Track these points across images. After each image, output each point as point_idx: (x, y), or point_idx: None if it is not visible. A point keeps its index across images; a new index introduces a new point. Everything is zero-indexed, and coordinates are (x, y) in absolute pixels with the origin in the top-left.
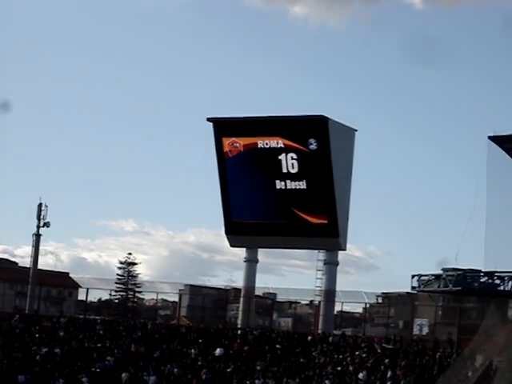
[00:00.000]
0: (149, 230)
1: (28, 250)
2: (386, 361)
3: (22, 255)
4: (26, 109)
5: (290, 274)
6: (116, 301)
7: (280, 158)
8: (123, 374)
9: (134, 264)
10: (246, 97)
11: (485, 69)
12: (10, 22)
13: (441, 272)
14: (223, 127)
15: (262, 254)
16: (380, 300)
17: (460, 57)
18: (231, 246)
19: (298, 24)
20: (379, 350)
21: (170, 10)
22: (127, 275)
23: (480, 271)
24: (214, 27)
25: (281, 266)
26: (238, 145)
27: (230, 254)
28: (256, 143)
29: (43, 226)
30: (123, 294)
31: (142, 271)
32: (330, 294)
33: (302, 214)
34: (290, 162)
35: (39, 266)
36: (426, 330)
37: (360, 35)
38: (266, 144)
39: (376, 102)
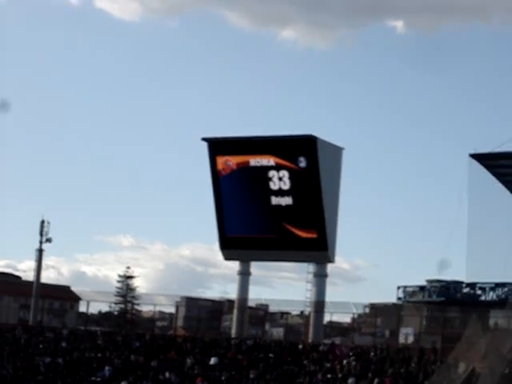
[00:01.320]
0: (145, 245)
1: (30, 264)
2: (373, 368)
3: (24, 269)
4: (28, 125)
5: (281, 285)
6: (115, 313)
7: (271, 175)
8: (122, 383)
9: (132, 277)
10: (238, 117)
11: (466, 89)
12: (10, 23)
13: (425, 283)
14: (217, 146)
15: (254, 267)
16: (367, 310)
17: (442, 77)
18: (225, 259)
19: (287, 47)
20: None
21: (163, 34)
22: (126, 288)
23: (462, 282)
24: (206, 50)
25: (272, 278)
26: (231, 163)
27: (224, 267)
28: (248, 161)
29: (46, 242)
30: (122, 306)
31: (140, 284)
32: (319, 304)
33: (292, 229)
34: (280, 180)
35: (41, 280)
36: (411, 339)
37: (346, 58)
38: (258, 162)
39: (362, 121)
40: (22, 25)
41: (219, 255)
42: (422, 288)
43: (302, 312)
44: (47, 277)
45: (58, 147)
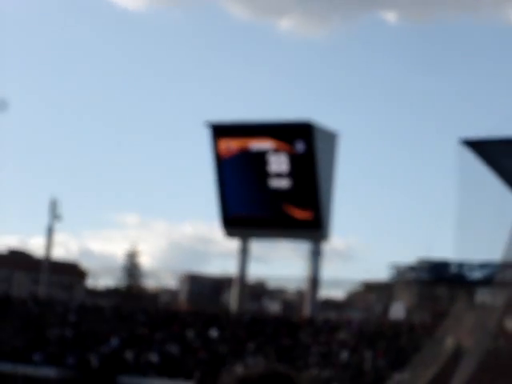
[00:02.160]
0: (149, 223)
1: (40, 240)
2: (366, 342)
3: (35, 245)
4: (40, 105)
5: (278, 263)
6: (121, 288)
7: (270, 158)
8: (128, 354)
9: (138, 254)
10: (238, 103)
11: (457, 77)
12: (11, 12)
13: (416, 262)
14: (219, 130)
15: (253, 245)
16: (361, 287)
17: (434, 66)
18: (226, 236)
19: (285, 36)
20: None
21: (165, 22)
22: (131, 264)
23: (450, 261)
24: (207, 39)
25: (269, 255)
26: (232, 146)
27: (223, 245)
28: (249, 145)
29: (56, 220)
30: (128, 281)
31: (144, 260)
32: (314, 281)
33: (290, 209)
34: (279, 162)
35: (51, 256)
36: (402, 315)
37: (341, 47)
38: (258, 146)
39: (357, 108)
40: (22, 13)
41: (219, 233)
42: (412, 266)
43: (298, 288)
44: (56, 253)
45: (68, 127)
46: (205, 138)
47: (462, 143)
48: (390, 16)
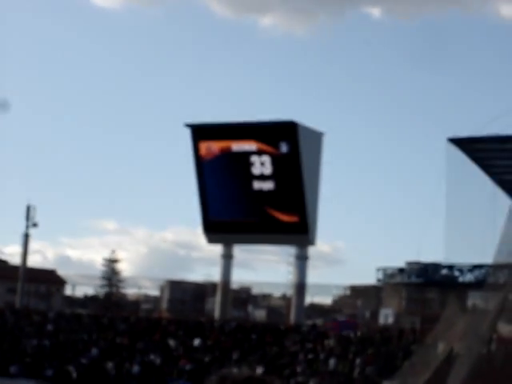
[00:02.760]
0: (129, 229)
1: (16, 248)
2: (354, 349)
3: (10, 253)
4: (15, 110)
5: (263, 268)
6: (101, 296)
7: (253, 160)
8: (109, 364)
9: (117, 261)
10: (220, 103)
11: (444, 73)
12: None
13: (404, 265)
14: (200, 132)
15: (237, 250)
16: (348, 292)
17: (420, 62)
18: (209, 242)
19: (267, 34)
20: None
21: (145, 22)
22: (111, 271)
23: (440, 264)
24: (187, 38)
25: (254, 261)
26: (213, 148)
27: (206, 251)
28: (230, 147)
29: (32, 227)
30: (107, 289)
31: (124, 268)
32: (301, 286)
33: (274, 213)
34: (262, 165)
35: (27, 264)
36: (391, 320)
37: (325, 44)
38: (240, 147)
39: (342, 106)
40: (3, 12)
41: (202, 239)
42: (401, 270)
43: (283, 294)
44: (33, 261)
45: (43, 132)
46: (186, 140)
47: (450, 141)
48: (376, 11)
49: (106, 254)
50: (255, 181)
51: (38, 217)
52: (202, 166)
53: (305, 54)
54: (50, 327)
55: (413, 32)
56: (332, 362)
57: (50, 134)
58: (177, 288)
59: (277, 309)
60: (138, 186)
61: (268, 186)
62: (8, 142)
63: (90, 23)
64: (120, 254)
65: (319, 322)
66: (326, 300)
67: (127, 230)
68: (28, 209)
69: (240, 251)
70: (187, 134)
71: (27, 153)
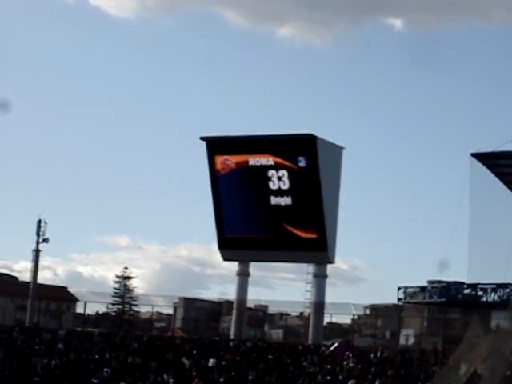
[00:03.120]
0: (142, 245)
1: (26, 264)
2: (374, 370)
3: (20, 270)
4: (29, 124)
5: (280, 286)
6: (113, 314)
7: (270, 174)
8: None
9: (130, 278)
10: (237, 115)
11: (468, 88)
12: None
13: (426, 284)
14: (216, 146)
15: (253, 267)
16: (367, 311)
17: (443, 75)
18: (224, 260)
19: (285, 44)
20: None
21: (159, 32)
22: (123, 289)
23: (463, 283)
24: (203, 48)
25: (271, 279)
26: (230, 162)
27: (221, 268)
28: (247, 161)
29: (42, 242)
30: (120, 307)
31: (137, 285)
32: (319, 305)
33: (292, 229)
34: (280, 179)
35: (38, 281)
36: (412, 340)
37: (344, 55)
38: (257, 161)
39: (362, 120)
40: (17, 23)
41: (217, 255)
42: (422, 289)
43: (301, 313)
44: (43, 277)
45: (54, 147)
46: (201, 154)
47: (473, 156)
48: (396, 22)
49: (119, 271)
50: (272, 196)
51: (48, 232)
52: (218, 181)
53: (323, 65)
54: (60, 346)
55: (435, 44)
56: (351, 383)
57: (64, 150)
58: (191, 306)
59: (294, 328)
60: (151, 201)
61: (285, 201)
62: (20, 156)
63: (105, 33)
64: (133, 271)
65: (338, 342)
66: (345, 320)
67: (140, 246)
68: (39, 224)
69: (256, 268)
70: (203, 148)
71: (39, 167)
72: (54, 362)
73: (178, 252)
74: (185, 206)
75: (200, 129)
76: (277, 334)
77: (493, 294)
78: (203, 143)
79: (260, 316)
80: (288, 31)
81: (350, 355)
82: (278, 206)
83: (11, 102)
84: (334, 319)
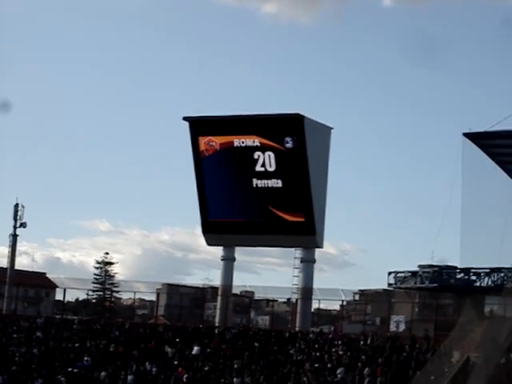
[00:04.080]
0: (122, 230)
1: (2, 249)
2: (363, 357)
3: None
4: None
5: (266, 271)
6: (93, 301)
7: (256, 156)
8: (102, 374)
9: (111, 263)
10: (221, 95)
11: (460, 67)
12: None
13: (417, 269)
14: (199, 126)
15: (238, 252)
16: (357, 297)
17: (433, 54)
18: (208, 244)
19: (270, 21)
20: None
21: (141, 9)
22: (104, 275)
23: (456, 268)
24: (187, 26)
25: (256, 264)
26: (214, 144)
27: (205, 253)
28: (232, 142)
29: (20, 227)
30: (100, 293)
31: (118, 270)
32: (307, 291)
33: (278, 213)
34: (266, 161)
35: (15, 267)
36: (402, 327)
37: (331, 32)
38: (243, 143)
39: (351, 99)
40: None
41: (200, 240)
42: (413, 274)
43: (288, 299)
44: (20, 263)
45: (33, 130)
46: (184, 134)
47: (465, 136)
48: None
49: (99, 257)
50: (258, 178)
51: (25, 217)
52: (201, 162)
53: (309, 42)
54: (38, 334)
55: (424, 21)
56: (340, 371)
57: (41, 132)
58: (174, 292)
59: (281, 315)
60: (132, 183)
61: (272, 183)
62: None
63: (85, 10)
64: (113, 256)
65: (326, 329)
66: (334, 306)
67: (120, 230)
68: (16, 208)
69: (241, 253)
70: (186, 129)
71: (16, 151)
72: (32, 351)
73: (159, 236)
74: (167, 188)
75: (183, 109)
76: (263, 320)
77: (486, 278)
78: (186, 124)
79: (246, 302)
80: (273, 8)
81: (339, 342)
82: (265, 189)
83: None
84: (322, 305)
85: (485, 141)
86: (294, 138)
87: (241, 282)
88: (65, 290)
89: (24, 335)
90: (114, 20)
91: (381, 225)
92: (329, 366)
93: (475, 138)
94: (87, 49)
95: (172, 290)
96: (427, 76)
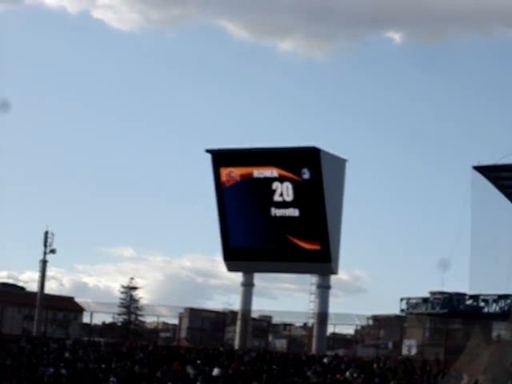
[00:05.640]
0: (145, 256)
1: (31, 274)
2: (377, 380)
3: (26, 280)
4: (33, 138)
5: (283, 297)
6: (119, 324)
7: (275, 187)
8: None
9: (136, 288)
10: (240, 128)
11: (468, 101)
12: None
13: (428, 295)
14: (221, 158)
15: (257, 278)
16: (370, 322)
17: (443, 89)
18: (229, 270)
19: (287, 58)
20: None
21: (162, 45)
22: (129, 299)
23: (465, 294)
24: (206, 61)
25: (274, 289)
26: (234, 174)
27: (225, 279)
28: (252, 173)
29: (50, 253)
30: (126, 317)
31: (142, 295)
32: (322, 316)
33: (296, 240)
34: (284, 191)
35: (44, 291)
36: (414, 351)
37: (345, 69)
38: (262, 174)
39: (364, 132)
40: (20, 36)
41: (220, 266)
42: (425, 300)
43: (305, 324)
44: (49, 287)
45: (61, 158)
46: (206, 166)
47: (475, 169)
48: (396, 36)
49: (123, 281)
50: (276, 208)
51: (55, 243)
52: (223, 193)
53: (324, 77)
54: (67, 355)
55: (435, 55)
56: None
57: (69, 162)
58: (196, 316)
59: (298, 338)
60: (154, 212)
61: (290, 212)
62: (27, 169)
63: (107, 46)
64: (138, 281)
65: (341, 352)
66: (348, 330)
67: (144, 257)
68: (46, 235)
69: (259, 279)
70: (208, 160)
71: (45, 179)
72: (60, 371)
73: (181, 263)
74: (188, 217)
75: (204, 141)
76: (281, 344)
77: (494, 304)
78: (208, 155)
79: (264, 326)
80: (290, 45)
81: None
82: (282, 218)
83: (11, 110)
84: (337, 330)
85: (493, 173)
86: (311, 170)
87: (259, 306)
88: (92, 313)
89: (53, 356)
90: (133, 55)
91: (393, 252)
92: None
93: (484, 170)
94: (109, 79)
95: (194, 314)
96: (439, 109)
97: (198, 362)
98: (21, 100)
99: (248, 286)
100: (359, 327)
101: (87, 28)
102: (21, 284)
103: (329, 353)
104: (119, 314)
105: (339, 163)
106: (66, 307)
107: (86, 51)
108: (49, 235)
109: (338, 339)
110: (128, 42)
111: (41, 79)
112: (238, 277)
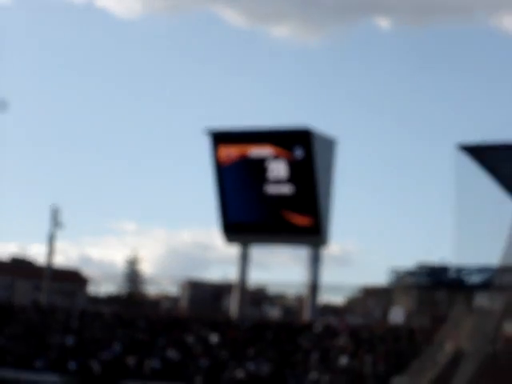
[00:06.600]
0: (148, 230)
1: (41, 247)
2: (365, 347)
3: (36, 253)
4: (40, 116)
5: (278, 268)
6: (123, 295)
7: (269, 165)
8: (130, 359)
9: (139, 260)
10: (237, 111)
11: (454, 81)
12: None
13: (415, 267)
14: (218, 137)
15: (253, 251)
16: (360, 292)
17: (429, 71)
18: (227, 242)
19: (281, 43)
20: None
21: (162, 31)
22: (133, 271)
23: (449, 266)
24: (203, 47)
25: (269, 261)
26: (232, 153)
27: (221, 252)
28: (248, 152)
29: (57, 227)
30: (129, 288)
31: (144, 267)
32: (314, 287)
33: (289, 215)
34: (278, 169)
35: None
36: (401, 320)
37: (337, 53)
38: (257, 153)
39: (355, 113)
40: (22, 24)
41: (217, 240)
42: (412, 272)
43: (298, 294)
44: (57, 260)
45: (68, 136)
46: (203, 145)
47: (459, 148)
48: (384, 22)
49: (128, 254)
50: (271, 185)
51: (62, 218)
52: (222, 171)
53: (318, 62)
54: (73, 324)
55: (421, 40)
56: (344, 359)
57: (75, 137)
58: (196, 287)
59: (291, 308)
60: (157, 189)
61: (284, 189)
62: (34, 144)
63: (110, 33)
64: (140, 254)
65: (332, 321)
66: (339, 300)
67: (146, 231)
68: (54, 210)
69: (256, 252)
70: (206, 140)
71: (53, 155)
72: (67, 339)
73: (181, 236)
74: (187, 193)
75: (203, 121)
76: (275, 313)
77: (476, 276)
78: (206, 135)
79: (259, 296)
80: (284, 30)
81: (344, 333)
82: (277, 195)
83: (12, 99)
84: (329, 299)
85: (477, 152)
86: (304, 149)
87: (255, 277)
88: (97, 284)
89: (60, 325)
90: (134, 42)
91: (382, 226)
92: (333, 354)
93: (468, 149)
94: (110, 65)
95: (194, 285)
96: (425, 90)
97: (197, 329)
98: (20, 88)
99: (245, 258)
100: (349, 297)
101: (90, 16)
102: (31, 257)
103: (320, 321)
104: (123, 286)
105: (330, 143)
106: (73, 279)
107: (89, 39)
108: (56, 210)
109: (330, 309)
110: (128, 29)
111: (41, 67)
112: (234, 250)
